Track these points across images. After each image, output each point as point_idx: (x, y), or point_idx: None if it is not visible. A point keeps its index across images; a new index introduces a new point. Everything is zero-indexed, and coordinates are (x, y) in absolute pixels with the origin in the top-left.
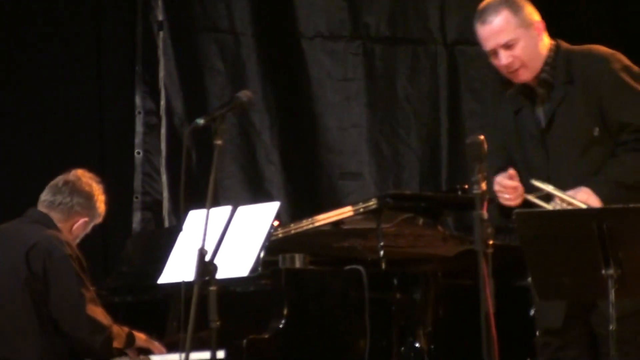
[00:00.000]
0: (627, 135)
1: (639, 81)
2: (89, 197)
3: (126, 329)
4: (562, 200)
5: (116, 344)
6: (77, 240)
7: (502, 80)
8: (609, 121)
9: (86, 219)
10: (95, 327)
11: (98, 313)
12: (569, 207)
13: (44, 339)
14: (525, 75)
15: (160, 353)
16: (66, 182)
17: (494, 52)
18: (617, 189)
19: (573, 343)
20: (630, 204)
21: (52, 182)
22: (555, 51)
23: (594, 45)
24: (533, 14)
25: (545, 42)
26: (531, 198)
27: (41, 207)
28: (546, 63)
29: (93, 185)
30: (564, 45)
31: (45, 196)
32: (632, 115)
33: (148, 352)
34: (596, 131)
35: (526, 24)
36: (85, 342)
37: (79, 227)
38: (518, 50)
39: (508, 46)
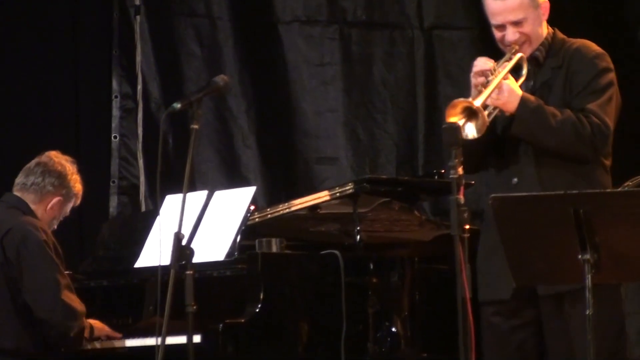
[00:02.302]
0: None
1: (607, 89)
2: (61, 176)
3: (87, 323)
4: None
5: (86, 334)
6: (56, 223)
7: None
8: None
9: (60, 197)
10: (70, 313)
11: (74, 300)
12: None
13: (20, 326)
14: (526, 52)
15: (116, 338)
16: (38, 164)
17: (501, 27)
18: (537, 119)
19: (523, 326)
20: (607, 189)
21: (26, 166)
22: (553, 36)
23: (588, 41)
24: None
25: (545, 24)
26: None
27: (15, 190)
28: (542, 44)
29: (66, 165)
30: (560, 34)
31: (19, 179)
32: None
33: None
34: None
35: (536, 4)
36: (59, 329)
37: (53, 206)
38: (526, 27)
39: (517, 23)
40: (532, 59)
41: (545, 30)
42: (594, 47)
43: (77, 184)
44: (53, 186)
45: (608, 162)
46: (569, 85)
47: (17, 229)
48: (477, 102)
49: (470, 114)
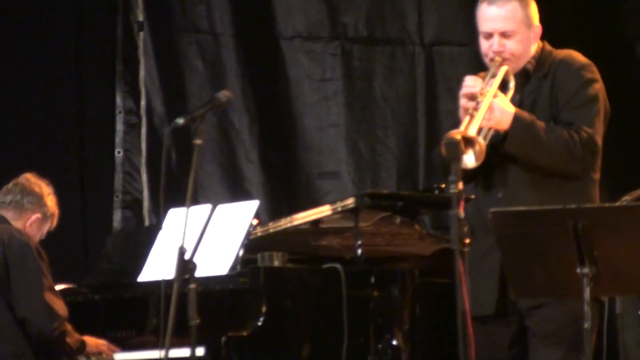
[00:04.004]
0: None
1: (593, 102)
2: (38, 196)
3: (78, 335)
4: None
5: (70, 340)
6: (36, 240)
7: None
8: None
9: (38, 215)
10: (52, 313)
11: (56, 302)
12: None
13: (19, 332)
14: (510, 68)
15: (114, 352)
16: (16, 184)
17: (489, 35)
18: (530, 136)
19: (505, 345)
20: (605, 204)
21: (4, 187)
22: (542, 48)
23: (574, 51)
24: (536, 18)
25: (536, 45)
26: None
27: None
28: (533, 57)
29: (42, 185)
30: (548, 46)
31: None
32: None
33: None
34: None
35: (528, 24)
36: (39, 328)
37: (32, 223)
38: (512, 43)
39: (505, 35)
40: (522, 72)
41: (534, 48)
42: (579, 58)
43: (52, 204)
44: (31, 204)
45: (596, 176)
46: (554, 96)
47: (2, 232)
48: (472, 131)
49: (466, 142)
